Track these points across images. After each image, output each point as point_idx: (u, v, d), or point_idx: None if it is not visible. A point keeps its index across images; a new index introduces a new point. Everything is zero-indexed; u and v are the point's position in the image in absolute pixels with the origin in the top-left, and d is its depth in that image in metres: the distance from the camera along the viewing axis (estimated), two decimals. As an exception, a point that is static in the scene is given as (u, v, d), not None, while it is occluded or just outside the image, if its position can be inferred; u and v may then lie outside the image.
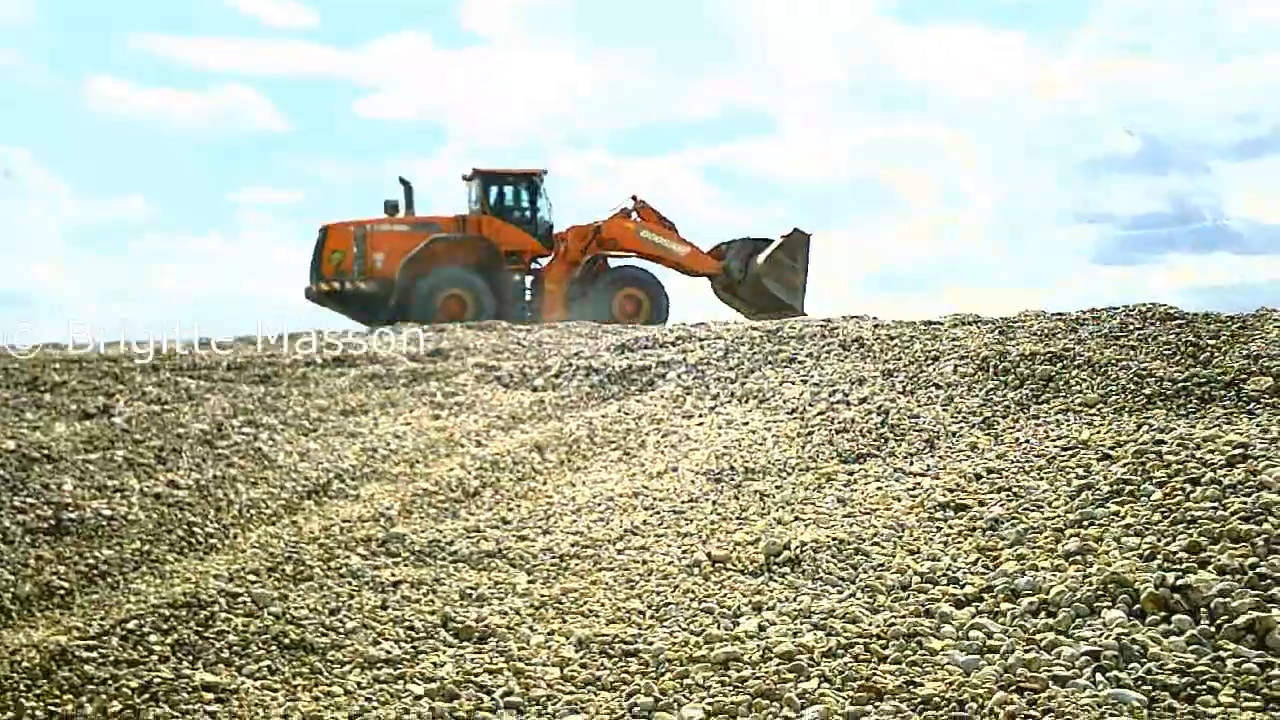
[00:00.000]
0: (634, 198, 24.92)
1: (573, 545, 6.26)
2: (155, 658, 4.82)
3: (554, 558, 6.12)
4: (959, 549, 5.46)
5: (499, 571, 5.98)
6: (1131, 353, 8.63)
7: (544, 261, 24.42)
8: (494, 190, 24.34)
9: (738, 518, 6.49)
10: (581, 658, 4.67)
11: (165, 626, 5.08)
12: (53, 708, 4.42)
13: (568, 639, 4.88)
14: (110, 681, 4.56)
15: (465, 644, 4.98)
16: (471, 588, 5.72)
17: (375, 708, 4.32)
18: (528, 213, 24.43)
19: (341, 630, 5.11)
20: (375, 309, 21.68)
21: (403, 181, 23.98)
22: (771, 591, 5.22)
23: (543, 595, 5.53)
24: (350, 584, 5.76)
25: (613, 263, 24.73)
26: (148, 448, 8.70)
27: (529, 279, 24.43)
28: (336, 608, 5.38)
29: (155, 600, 5.45)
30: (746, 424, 8.93)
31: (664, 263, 24.73)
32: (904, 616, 4.72)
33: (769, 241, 25.10)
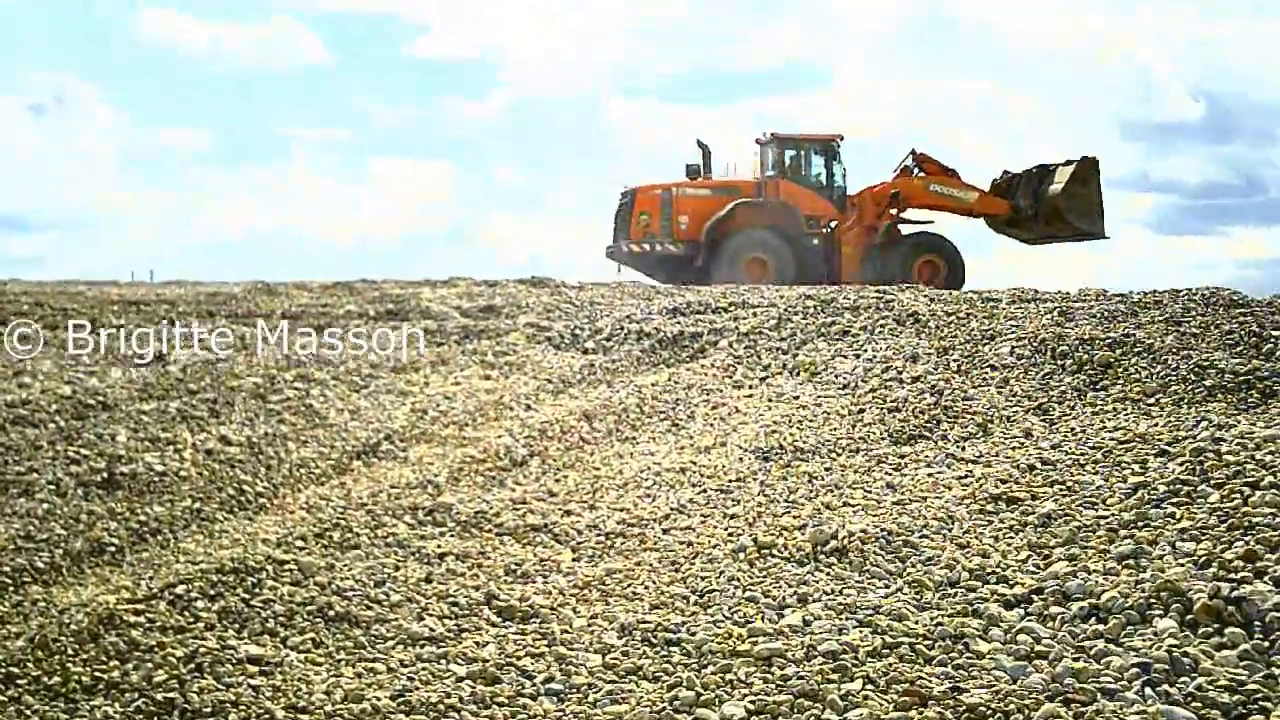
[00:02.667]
0: (913, 152, 24.82)
1: (618, 523, 6.25)
2: (202, 625, 4.87)
3: (599, 535, 6.11)
4: (1009, 545, 5.38)
5: (544, 547, 5.98)
6: (1193, 341, 8.47)
7: (834, 225, 24.46)
8: (790, 155, 24.60)
9: (785, 500, 6.44)
10: (624, 644, 4.66)
11: (213, 592, 5.13)
12: (99, 673, 4.48)
13: (610, 624, 4.87)
14: (156, 649, 4.61)
15: (508, 623, 4.99)
16: (516, 563, 5.72)
17: (417, 688, 4.34)
18: (823, 178, 24.63)
19: (386, 603, 5.13)
20: (681, 270, 22.25)
21: (700, 145, 24.35)
22: (817, 583, 5.17)
23: (587, 575, 5.52)
24: (396, 554, 5.78)
25: (905, 229, 24.64)
26: (201, 400, 8.79)
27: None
28: (382, 579, 5.40)
29: (205, 564, 5.51)
30: (797, 398, 8.87)
31: (954, 211, 24.70)
32: (951, 616, 4.66)
33: (1046, 170, 24.58)
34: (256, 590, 5.17)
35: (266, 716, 4.15)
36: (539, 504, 6.65)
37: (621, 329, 11.83)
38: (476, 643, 4.76)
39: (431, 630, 4.90)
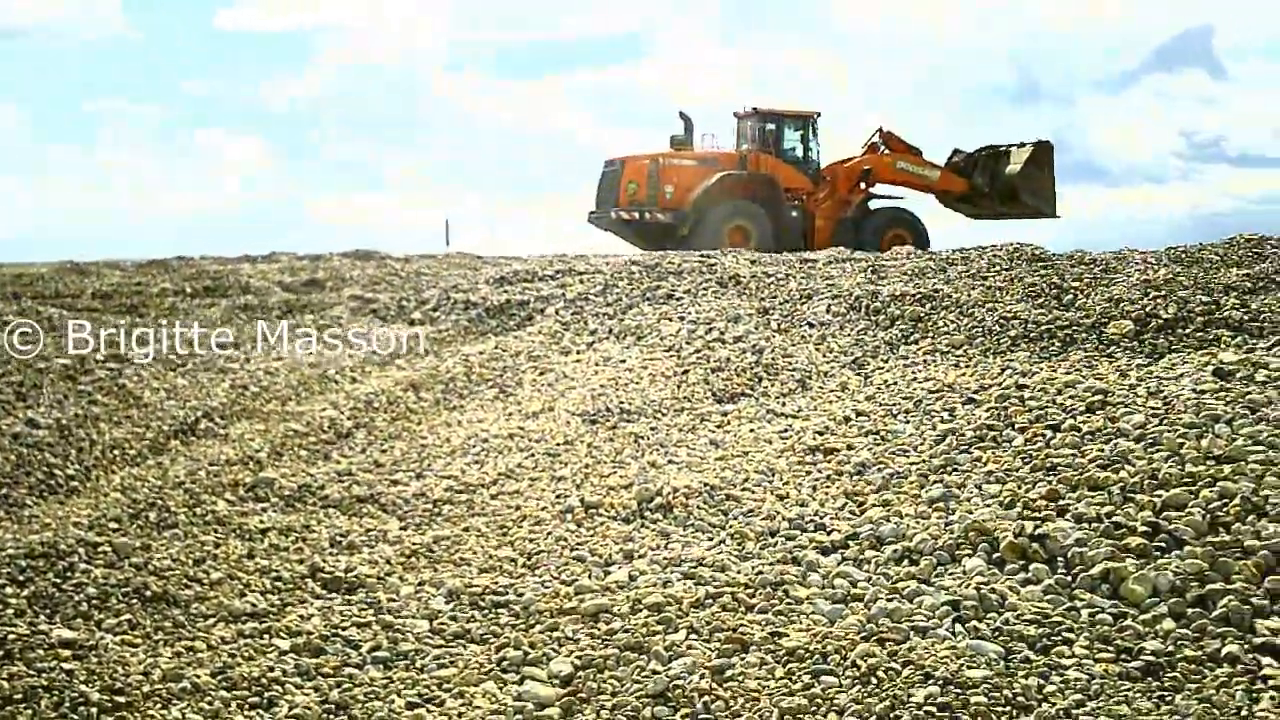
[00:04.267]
0: (880, 130, 25.75)
1: (446, 490, 6.23)
2: (11, 611, 4.67)
3: (427, 503, 6.08)
4: (827, 494, 5.54)
5: (370, 518, 5.93)
6: (998, 294, 8.78)
7: (807, 198, 25.06)
8: (771, 129, 25.05)
9: (612, 461, 6.51)
10: (451, 609, 4.65)
11: (21, 578, 4.93)
12: (-100, 668, 4.27)
13: (438, 590, 4.86)
14: (-38, 639, 4.42)
15: (334, 595, 4.93)
16: (342, 535, 5.66)
17: (239, 663, 4.26)
18: (799, 151, 25.20)
19: (206, 581, 5.02)
20: (666, 238, 22.54)
21: (683, 116, 24.79)
22: (643, 539, 5.25)
23: (414, 543, 5.49)
24: (216, 532, 5.66)
25: (874, 204, 25.48)
26: (7, 383, 8.41)
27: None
28: (201, 558, 5.27)
29: (12, 550, 5.28)
30: (624, 362, 8.94)
31: (917, 187, 25.65)
32: (772, 564, 4.78)
33: (999, 149, 25.78)
34: (68, 574, 4.98)
35: (81, 700, 4.02)
36: (365, 475, 6.58)
37: (448, 299, 11.75)
38: (300, 616, 4.69)
39: (254, 606, 4.80)
